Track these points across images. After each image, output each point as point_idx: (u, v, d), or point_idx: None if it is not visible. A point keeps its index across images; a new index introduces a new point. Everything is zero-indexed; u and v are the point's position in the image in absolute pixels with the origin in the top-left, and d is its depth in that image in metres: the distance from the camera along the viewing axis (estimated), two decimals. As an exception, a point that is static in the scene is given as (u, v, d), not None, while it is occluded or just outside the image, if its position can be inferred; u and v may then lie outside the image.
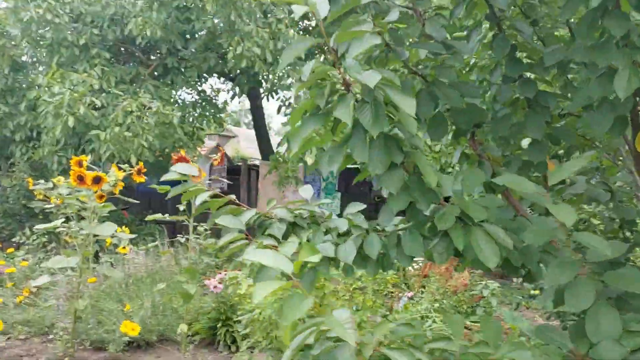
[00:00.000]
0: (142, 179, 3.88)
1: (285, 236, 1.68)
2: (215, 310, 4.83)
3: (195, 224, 4.40)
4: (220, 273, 4.90)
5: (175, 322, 4.87)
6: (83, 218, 7.13)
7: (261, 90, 10.45)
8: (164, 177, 1.76)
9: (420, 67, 1.56)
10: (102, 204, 3.78)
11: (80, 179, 3.60)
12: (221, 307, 4.77)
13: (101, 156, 7.51)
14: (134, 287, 5.10)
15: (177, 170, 1.77)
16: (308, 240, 1.46)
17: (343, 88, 1.09)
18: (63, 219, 3.96)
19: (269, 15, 8.36)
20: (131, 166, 4.29)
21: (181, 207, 4.32)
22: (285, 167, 8.73)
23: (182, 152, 4.20)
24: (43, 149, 8.18)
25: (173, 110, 7.63)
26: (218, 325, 4.73)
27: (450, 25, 2.01)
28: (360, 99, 1.07)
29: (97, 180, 3.64)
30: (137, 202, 4.41)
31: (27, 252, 6.51)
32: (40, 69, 9.20)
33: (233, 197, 1.86)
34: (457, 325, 1.12)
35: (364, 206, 1.92)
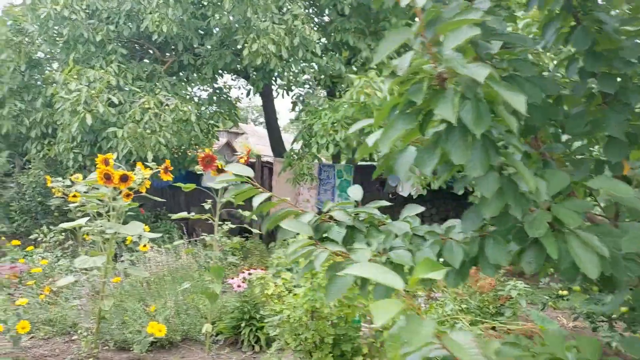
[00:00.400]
0: (169, 177, 3.81)
1: (345, 240, 1.60)
2: (239, 310, 4.77)
3: (220, 222, 4.33)
4: (243, 272, 4.83)
5: (199, 321, 4.81)
6: (100, 215, 7.09)
7: (274, 87, 10.38)
8: (220, 179, 1.68)
9: (493, 60, 1.46)
10: (129, 203, 3.72)
11: (107, 177, 3.54)
12: (245, 306, 4.71)
13: (118, 153, 7.45)
14: (156, 286, 5.04)
15: (232, 170, 1.68)
16: (379, 248, 1.37)
17: (436, 83, 1.00)
18: (86, 218, 3.90)
19: (282, 10, 8.28)
20: (145, 163, 4.22)
21: (206, 206, 4.26)
22: (301, 164, 8.65)
23: (208, 151, 4.12)
24: (59, 146, 8.14)
25: (190, 107, 7.56)
26: (242, 325, 4.67)
27: (508, 16, 1.91)
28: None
29: (124, 179, 3.58)
30: (164, 200, 4.35)
31: (46, 250, 6.47)
32: (55, 65, 9.16)
33: (287, 199, 1.78)
34: (593, 348, 1.02)
35: (422, 209, 1.84)
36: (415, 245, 1.37)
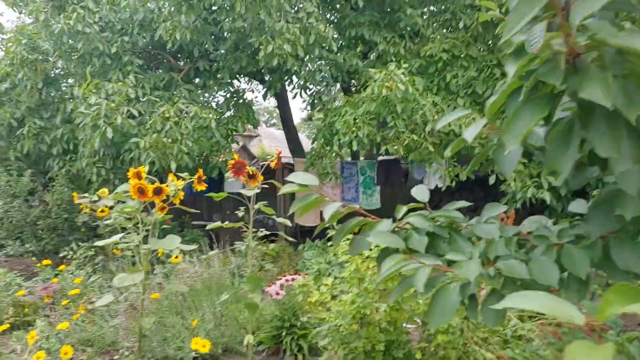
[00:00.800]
0: (203, 187, 3.69)
1: (428, 249, 1.44)
2: (278, 318, 4.64)
3: (255, 229, 4.20)
4: (280, 279, 4.71)
5: (238, 332, 4.70)
6: (125, 229, 7.00)
7: (290, 87, 10.25)
8: (284, 190, 1.53)
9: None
10: (163, 216, 3.60)
11: (141, 191, 3.42)
12: (285, 314, 4.58)
13: (141, 164, 7.38)
14: (192, 299, 4.94)
15: (296, 180, 1.54)
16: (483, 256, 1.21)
17: (571, 59, 0.84)
18: (120, 234, 3.79)
19: (295, 8, 8.13)
20: (178, 174, 4.11)
21: (240, 213, 4.13)
22: (323, 163, 8.50)
23: (236, 157, 3.99)
24: (81, 161, 8.10)
25: (210, 113, 7.45)
26: (283, 334, 4.54)
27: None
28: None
29: (157, 192, 3.46)
30: (199, 211, 4.24)
31: (77, 267, 6.42)
32: (71, 81, 9.13)
33: (357, 206, 1.63)
34: None
35: (505, 207, 1.67)
36: (519, 253, 1.21)
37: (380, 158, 11.85)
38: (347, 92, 10.02)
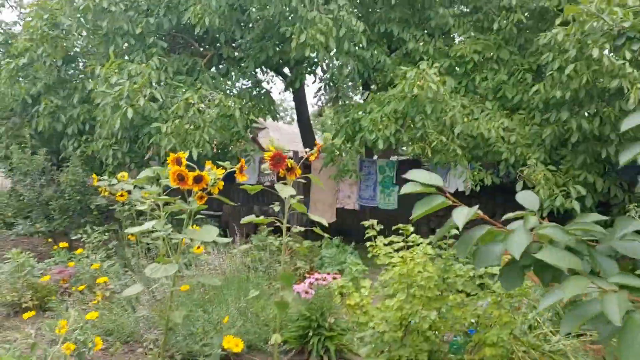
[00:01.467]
0: (244, 177, 3.51)
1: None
2: (305, 318, 4.47)
3: (289, 225, 4.02)
4: (309, 277, 4.54)
5: (261, 330, 4.53)
6: (142, 214, 6.83)
7: (311, 81, 10.08)
8: (407, 189, 1.35)
9: None
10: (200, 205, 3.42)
11: (181, 178, 3.24)
12: (312, 314, 4.41)
13: (160, 150, 7.20)
14: (214, 292, 4.76)
15: (418, 179, 1.36)
16: None
17: None
18: (153, 221, 3.61)
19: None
20: (218, 163, 3.94)
21: (275, 208, 3.96)
22: (345, 159, 8.33)
23: (271, 147, 3.81)
24: (97, 142, 7.92)
25: (234, 102, 7.27)
26: (309, 334, 4.37)
27: None
28: None
29: (198, 180, 3.28)
30: (236, 204, 4.05)
31: (92, 252, 6.24)
32: (91, 60, 8.93)
33: (479, 212, 1.45)
34: None
35: (641, 224, 1.49)
36: None
37: (400, 158, 11.66)
38: (366, 89, 9.82)
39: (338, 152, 8.95)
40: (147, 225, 3.57)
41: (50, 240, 8.20)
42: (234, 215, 11.46)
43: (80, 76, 8.84)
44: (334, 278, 4.53)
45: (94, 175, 6.14)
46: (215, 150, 8.23)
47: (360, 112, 8.01)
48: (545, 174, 6.83)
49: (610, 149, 6.93)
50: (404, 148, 15.73)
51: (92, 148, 8.02)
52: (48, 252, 7.55)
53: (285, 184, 3.93)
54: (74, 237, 6.97)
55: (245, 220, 3.80)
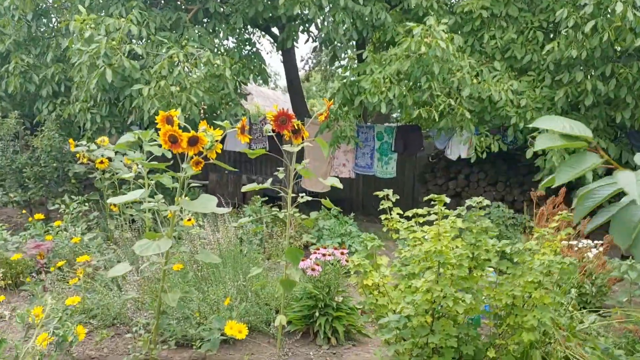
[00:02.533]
0: (246, 138, 3.01)
1: None
2: (310, 296, 4.06)
3: (294, 195, 3.56)
4: (315, 252, 4.10)
5: (262, 310, 4.11)
6: (125, 183, 6.28)
7: (304, 41, 9.43)
8: (541, 145, 0.89)
9: None
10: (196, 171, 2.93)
11: (173, 140, 2.74)
12: (318, 293, 4.00)
13: (143, 114, 6.61)
14: (210, 270, 4.32)
15: (557, 127, 0.89)
16: None
17: None
18: (140, 191, 3.11)
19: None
20: (216, 122, 3.43)
21: (280, 175, 3.48)
22: (342, 125, 7.82)
23: (274, 107, 3.30)
24: (74, 105, 7.28)
25: (224, 60, 6.67)
26: (316, 314, 3.97)
27: None
28: None
29: (193, 142, 2.78)
30: (236, 170, 3.57)
31: (71, 224, 5.72)
32: (65, 15, 8.17)
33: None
34: None
35: None
36: None
37: (400, 124, 11.15)
38: (360, 49, 9.23)
39: (334, 117, 8.44)
40: (134, 194, 3.07)
41: (25, 211, 7.63)
42: (221, 185, 10.93)
43: (54, 34, 8.10)
44: (342, 253, 4.11)
45: (71, 141, 5.58)
46: (202, 114, 7.66)
47: (358, 74, 7.48)
48: (557, 139, 6.42)
49: (626, 113, 6.55)
50: (394, 115, 15.26)
51: (69, 111, 7.38)
52: (23, 223, 7.01)
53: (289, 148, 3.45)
54: (52, 208, 6.42)
55: (246, 188, 3.33)
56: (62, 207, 6.10)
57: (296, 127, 3.36)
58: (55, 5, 8.16)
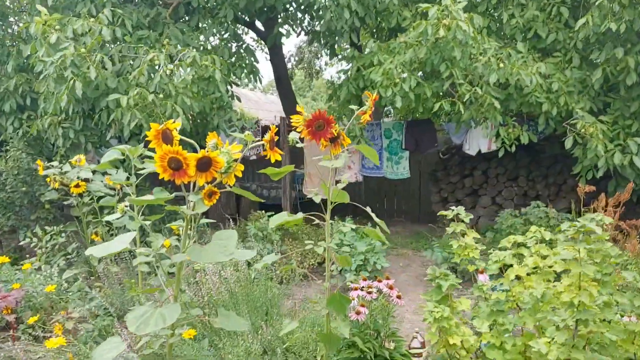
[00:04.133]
0: (278, 155, 2.16)
1: None
2: (352, 345, 3.22)
3: (331, 221, 2.71)
4: (356, 289, 3.26)
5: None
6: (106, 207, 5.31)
7: (296, 33, 8.57)
8: None
9: None
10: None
11: (176, 165, 1.87)
12: (365, 339, 3.16)
13: (123, 128, 5.69)
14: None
15: None
16: None
17: None
18: (132, 233, 2.24)
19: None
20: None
21: (316, 199, 2.64)
22: (352, 124, 6.98)
23: (301, 108, 2.46)
24: (43, 120, 6.31)
25: (213, 59, 5.78)
26: (363, 368, 3.13)
27: None
28: None
29: (203, 166, 1.92)
30: (262, 200, 2.71)
31: (45, 262, 4.80)
32: (26, 18, 7.19)
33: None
34: None
35: None
36: None
37: (410, 119, 10.31)
38: (354, 40, 8.40)
39: (337, 116, 7.63)
40: (122, 242, 2.19)
41: (-7, 246, 6.65)
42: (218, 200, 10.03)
43: (15, 39, 7.13)
44: (391, 287, 3.28)
45: (39, 162, 4.66)
46: (194, 121, 6.76)
47: (363, 66, 6.66)
48: (598, 126, 5.68)
49: (672, 92, 5.84)
50: (391, 110, 14.43)
51: (37, 127, 6.41)
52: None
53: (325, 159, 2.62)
54: (22, 242, 5.49)
55: (275, 223, 2.47)
56: (33, 241, 5.18)
57: (336, 134, 2.52)
58: (14, 8, 7.17)
